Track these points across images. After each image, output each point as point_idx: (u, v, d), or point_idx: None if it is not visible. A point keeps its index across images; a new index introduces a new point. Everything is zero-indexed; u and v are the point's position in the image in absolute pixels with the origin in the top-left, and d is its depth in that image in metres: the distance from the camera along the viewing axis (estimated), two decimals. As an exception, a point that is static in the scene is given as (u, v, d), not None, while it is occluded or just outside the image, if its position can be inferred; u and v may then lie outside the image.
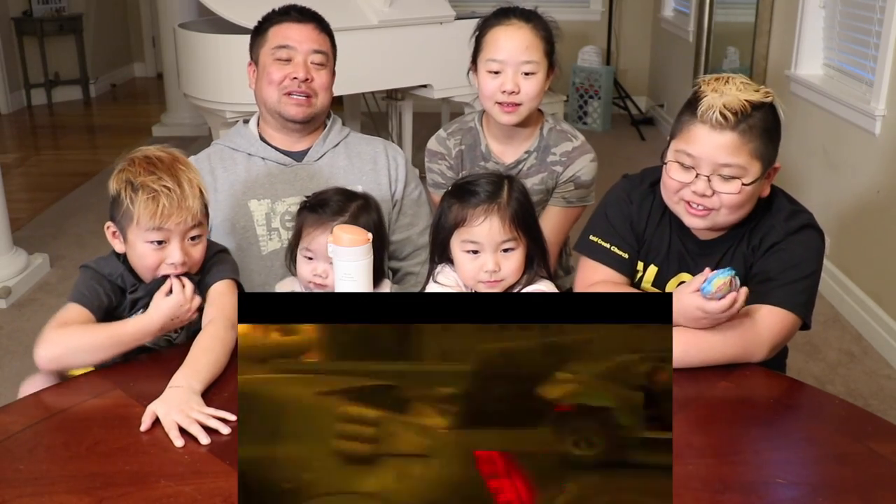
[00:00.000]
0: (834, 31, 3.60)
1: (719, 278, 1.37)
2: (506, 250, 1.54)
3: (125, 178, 1.49)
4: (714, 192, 1.46)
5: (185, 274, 1.53)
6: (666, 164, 1.52)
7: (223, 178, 1.94)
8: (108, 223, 1.55)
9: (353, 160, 1.99)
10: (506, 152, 2.00)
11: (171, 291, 1.50)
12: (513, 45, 1.85)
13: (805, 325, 1.53)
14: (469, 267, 1.55)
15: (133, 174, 1.49)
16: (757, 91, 1.47)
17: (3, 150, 5.97)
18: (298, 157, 1.97)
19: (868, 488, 1.14)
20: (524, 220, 1.55)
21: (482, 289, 1.55)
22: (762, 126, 1.45)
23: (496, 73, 1.86)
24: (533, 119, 1.97)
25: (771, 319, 1.47)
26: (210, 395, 1.36)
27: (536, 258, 1.58)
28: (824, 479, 1.19)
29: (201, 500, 1.11)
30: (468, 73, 1.98)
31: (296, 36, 1.92)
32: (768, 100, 1.47)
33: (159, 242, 1.50)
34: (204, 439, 1.24)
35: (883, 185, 3.05)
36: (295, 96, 1.91)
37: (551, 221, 1.99)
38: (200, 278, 1.57)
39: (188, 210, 1.48)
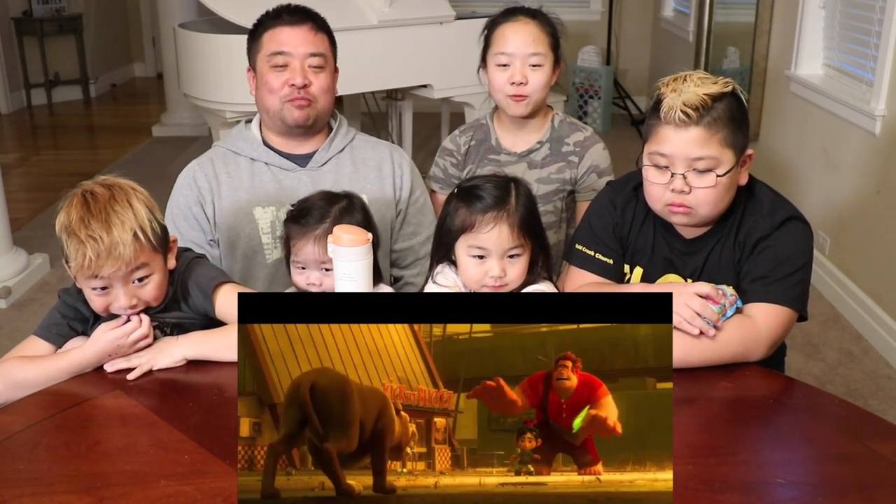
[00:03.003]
0: (834, 31, 3.60)
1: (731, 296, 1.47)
2: (512, 256, 1.54)
3: (63, 220, 1.42)
4: (691, 189, 1.48)
5: (147, 308, 1.50)
6: (642, 168, 1.54)
7: (227, 183, 1.91)
8: (64, 260, 1.48)
9: (359, 166, 1.96)
10: (517, 143, 2.05)
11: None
12: (520, 39, 1.95)
13: (801, 318, 1.55)
14: (474, 272, 1.55)
15: (69, 216, 1.41)
16: (716, 83, 1.48)
17: (3, 150, 5.97)
18: (302, 161, 1.93)
19: (868, 488, 1.14)
20: (530, 225, 1.55)
21: (485, 291, 1.55)
22: (727, 115, 1.47)
23: (505, 65, 1.96)
24: (542, 111, 2.05)
25: (768, 317, 1.48)
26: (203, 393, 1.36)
27: (540, 261, 1.59)
28: (824, 479, 1.19)
29: (201, 500, 1.11)
30: (478, 70, 2.05)
31: (290, 40, 1.87)
32: (728, 89, 1.49)
33: (103, 288, 1.44)
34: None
35: (883, 185, 3.05)
36: (296, 101, 1.86)
37: None
38: (175, 295, 1.54)
39: (118, 258, 1.39)
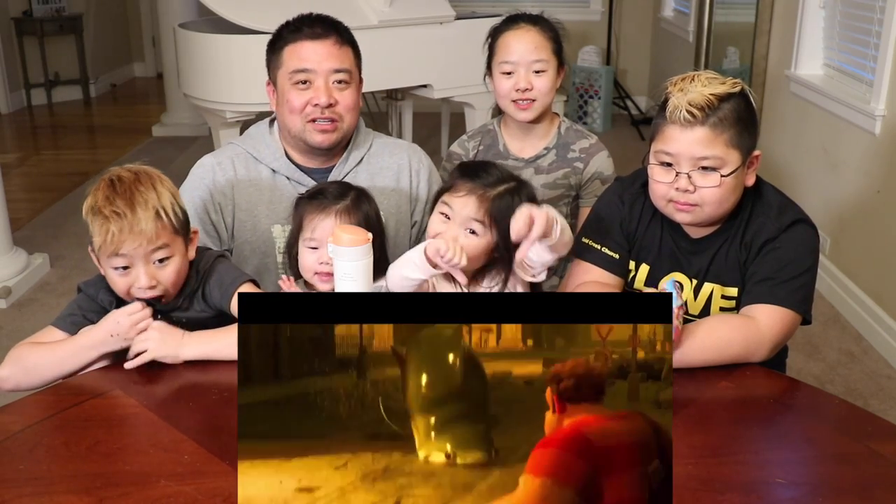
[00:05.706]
0: (834, 31, 3.60)
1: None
2: (472, 231, 1.53)
3: (89, 202, 1.46)
4: (696, 188, 1.48)
5: (159, 298, 1.51)
6: (648, 166, 1.54)
7: (245, 192, 1.84)
8: (90, 247, 1.51)
9: (375, 178, 1.89)
10: (524, 149, 2.08)
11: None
12: (523, 46, 1.98)
13: (805, 321, 1.54)
14: (437, 227, 1.55)
15: (95, 198, 1.45)
16: (723, 83, 1.48)
17: (3, 150, 5.97)
18: (321, 176, 1.85)
19: (868, 488, 1.14)
20: (503, 218, 1.50)
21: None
22: (733, 116, 1.46)
23: (509, 73, 1.99)
24: (548, 118, 2.08)
25: (772, 319, 1.48)
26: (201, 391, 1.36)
27: (500, 263, 1.56)
28: (824, 479, 1.19)
29: (201, 500, 1.11)
30: (484, 77, 2.08)
31: (313, 56, 1.76)
32: (736, 90, 1.48)
33: (124, 268, 1.46)
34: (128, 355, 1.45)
35: (883, 185, 3.05)
36: (319, 122, 1.77)
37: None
38: (195, 289, 1.55)
39: (141, 234, 1.42)
